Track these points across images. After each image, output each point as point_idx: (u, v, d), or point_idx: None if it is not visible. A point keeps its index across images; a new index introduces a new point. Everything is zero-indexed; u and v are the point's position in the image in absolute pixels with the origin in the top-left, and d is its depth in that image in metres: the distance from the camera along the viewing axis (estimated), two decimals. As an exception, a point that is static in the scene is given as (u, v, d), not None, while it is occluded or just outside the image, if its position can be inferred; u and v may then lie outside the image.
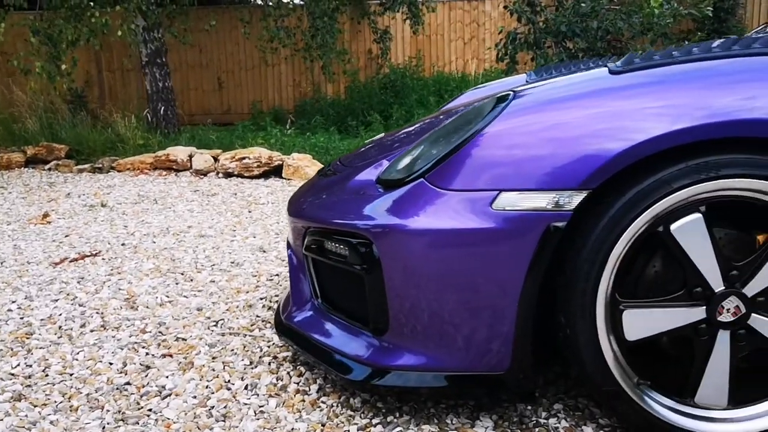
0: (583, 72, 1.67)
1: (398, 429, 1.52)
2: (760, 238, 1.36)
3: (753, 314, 1.34)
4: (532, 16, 6.50)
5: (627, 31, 6.32)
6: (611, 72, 1.42)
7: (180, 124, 8.24)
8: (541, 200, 1.33)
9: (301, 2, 7.63)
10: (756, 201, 1.32)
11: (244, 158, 5.57)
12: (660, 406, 1.39)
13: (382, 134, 2.64)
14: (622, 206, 1.32)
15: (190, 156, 5.91)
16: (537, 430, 1.51)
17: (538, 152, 1.35)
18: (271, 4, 7.07)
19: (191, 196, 4.78)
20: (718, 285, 1.34)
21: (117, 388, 1.76)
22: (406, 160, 1.55)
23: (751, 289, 1.34)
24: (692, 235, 1.32)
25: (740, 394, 1.40)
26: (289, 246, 1.94)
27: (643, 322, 1.37)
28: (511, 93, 1.47)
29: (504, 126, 1.40)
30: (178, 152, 5.94)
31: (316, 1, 7.11)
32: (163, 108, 8.02)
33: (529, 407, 1.60)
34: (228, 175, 5.59)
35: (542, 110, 1.40)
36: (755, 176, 1.29)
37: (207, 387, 1.76)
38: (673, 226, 1.32)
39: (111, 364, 1.91)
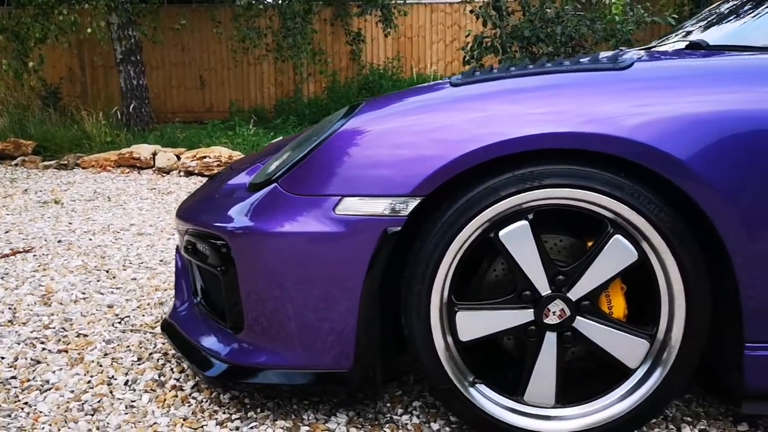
0: (430, 84, 1.74)
1: (254, 424, 1.57)
2: (589, 244, 1.43)
3: (578, 317, 1.41)
4: (498, 21, 6.56)
5: (590, 37, 6.38)
6: (452, 84, 1.48)
7: (154, 122, 8.29)
8: (379, 206, 1.39)
9: (272, 3, 7.68)
10: (581, 209, 1.38)
11: (204, 157, 5.63)
12: (492, 404, 1.45)
13: (280, 138, 2.69)
14: (453, 212, 1.38)
15: (154, 154, 5.97)
16: (388, 426, 1.57)
17: (377, 160, 1.41)
18: (240, 4, 7.10)
19: (146, 194, 4.83)
20: (544, 289, 1.40)
21: (1, 382, 1.81)
22: (271, 165, 1.61)
23: (575, 294, 1.40)
24: (519, 241, 1.39)
25: (572, 393, 1.47)
26: (177, 248, 2.00)
27: (476, 323, 1.43)
28: (363, 102, 1.53)
29: (348, 134, 1.46)
30: (142, 150, 5.99)
31: (288, 2, 7.15)
32: (137, 106, 8.08)
33: (389, 404, 1.66)
34: (189, 173, 5.64)
35: (384, 120, 1.46)
36: (575, 186, 1.35)
37: (89, 382, 1.81)
38: (502, 233, 1.39)
39: (3, 358, 1.96)
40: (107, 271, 2.85)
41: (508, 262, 1.41)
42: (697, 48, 1.75)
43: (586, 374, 1.56)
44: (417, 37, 10.74)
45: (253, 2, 7.26)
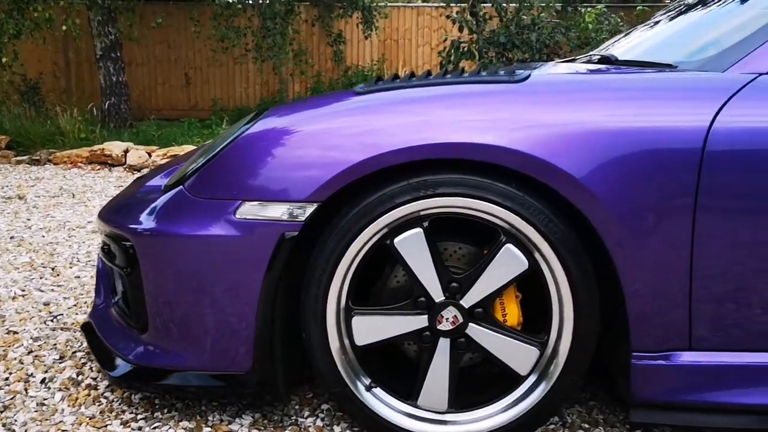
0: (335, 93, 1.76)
1: (158, 425, 1.59)
2: (485, 252, 1.45)
3: (470, 324, 1.43)
4: (475, 26, 6.60)
5: (565, 45, 6.43)
6: (356, 93, 1.50)
7: (132, 119, 8.28)
8: (278, 211, 1.41)
9: (252, 3, 7.69)
10: (475, 218, 1.40)
11: (175, 155, 5.63)
12: (387, 407, 1.47)
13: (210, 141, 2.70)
14: (350, 218, 1.40)
15: (126, 151, 5.96)
16: (291, 428, 1.58)
17: (276, 165, 1.43)
18: (218, 3, 7.11)
19: (113, 191, 4.83)
20: (438, 295, 1.42)
21: None
22: (185, 168, 1.63)
23: (468, 301, 1.42)
24: (413, 248, 1.41)
25: (471, 398, 1.49)
26: (102, 246, 2.01)
27: (372, 328, 1.45)
28: (270, 109, 1.55)
29: (249, 140, 1.47)
30: (114, 147, 5.99)
31: (268, 3, 7.17)
32: (115, 102, 8.07)
33: (297, 406, 1.68)
34: (159, 172, 5.64)
35: (285, 127, 1.48)
36: (468, 195, 1.37)
37: (6, 379, 1.82)
38: (397, 239, 1.41)
39: (-75, 354, 1.97)
40: (53, 269, 2.86)
41: (403, 269, 1.43)
42: (606, 62, 1.78)
43: (488, 380, 1.58)
44: (403, 39, 10.78)
45: (232, 1, 7.26)
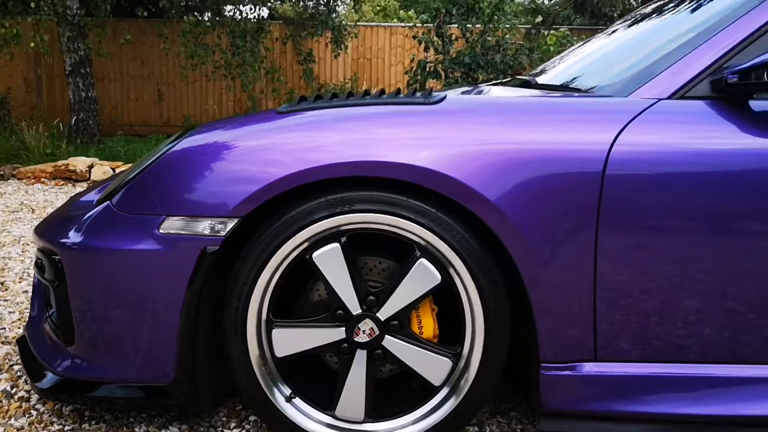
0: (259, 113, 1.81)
1: (83, 436, 1.61)
2: (385, 266, 1.51)
3: (387, 336, 1.48)
4: (440, 47, 6.73)
5: (529, 66, 6.58)
6: (278, 113, 1.56)
7: (100, 135, 8.26)
8: (200, 226, 1.45)
9: (220, 21, 7.75)
10: (392, 234, 1.46)
11: (140, 172, 5.63)
12: (306, 418, 1.51)
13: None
14: (270, 233, 1.45)
15: (90, 167, 5.96)
16: (214, 439, 1.62)
17: (199, 182, 1.48)
18: (187, 20, 7.16)
19: (74, 207, 4.81)
20: (355, 308, 1.47)
21: None
22: (114, 184, 1.67)
23: (384, 313, 1.47)
24: (331, 262, 1.46)
25: (387, 408, 1.54)
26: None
27: (292, 340, 1.50)
28: (197, 126, 1.60)
29: (174, 156, 1.52)
30: (78, 163, 5.98)
31: (237, 21, 7.24)
32: (84, 118, 8.05)
33: (225, 418, 1.71)
34: (124, 187, 5.64)
35: (208, 144, 1.53)
36: (383, 212, 1.43)
37: (-62, 392, 1.83)
38: (315, 254, 1.46)
39: None
40: (1, 283, 2.86)
41: (322, 282, 1.48)
42: (527, 85, 1.86)
43: (410, 390, 1.63)
44: (376, 59, 10.93)
45: (201, 19, 7.32)
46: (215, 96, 10.51)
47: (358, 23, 9.42)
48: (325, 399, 1.54)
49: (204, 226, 1.45)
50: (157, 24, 8.52)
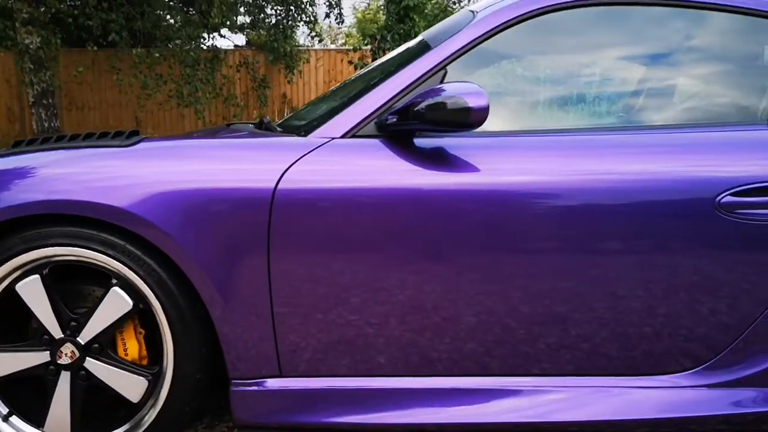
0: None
1: None
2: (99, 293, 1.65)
3: (87, 358, 1.63)
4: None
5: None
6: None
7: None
8: None
9: (171, 51, 8.02)
10: (91, 264, 1.61)
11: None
12: (20, 434, 1.66)
13: None
14: (-23, 266, 1.61)
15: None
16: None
17: None
18: (136, 53, 7.43)
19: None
20: (57, 333, 1.62)
21: None
22: None
23: (84, 337, 1.62)
24: (33, 292, 1.61)
25: (99, 423, 1.68)
26: None
27: (3, 363, 1.65)
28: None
29: None
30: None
31: (187, 50, 7.50)
32: (47, 147, 8.30)
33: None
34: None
35: None
36: (76, 245, 1.58)
37: None
38: (18, 285, 1.61)
39: None
40: None
41: (29, 310, 1.63)
42: (260, 125, 2.01)
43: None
44: (334, 82, 11.15)
45: (150, 50, 7.59)
46: (191, 122, 10.78)
47: (328, 47, 9.65)
48: (42, 417, 1.68)
49: None
50: (110, 56, 8.83)
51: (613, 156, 1.59)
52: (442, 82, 1.64)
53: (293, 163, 1.57)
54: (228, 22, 9.45)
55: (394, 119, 1.57)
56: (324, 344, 1.60)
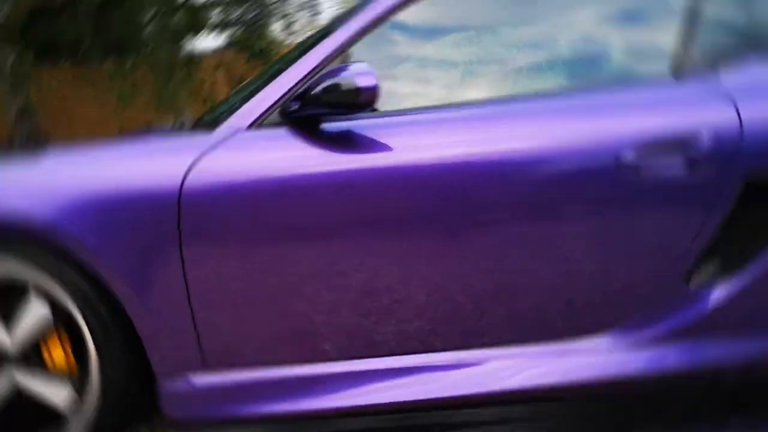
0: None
1: None
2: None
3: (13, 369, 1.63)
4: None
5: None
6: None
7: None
8: None
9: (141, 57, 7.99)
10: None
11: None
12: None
13: None
14: None
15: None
16: None
17: None
18: (106, 68, 7.41)
19: None
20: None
21: None
22: None
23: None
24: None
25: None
26: None
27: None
28: None
29: None
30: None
31: (157, 57, 7.47)
32: (30, 165, 8.30)
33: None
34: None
35: None
36: (-11, 258, 1.59)
37: None
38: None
39: None
40: None
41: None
42: (179, 125, 2.02)
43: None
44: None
45: (123, 59, 7.57)
46: (176, 127, 10.76)
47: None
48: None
49: None
50: (84, 72, 8.80)
51: (520, 124, 1.58)
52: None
53: (199, 158, 1.57)
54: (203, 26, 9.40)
55: (296, 106, 1.57)
56: (246, 336, 1.60)
